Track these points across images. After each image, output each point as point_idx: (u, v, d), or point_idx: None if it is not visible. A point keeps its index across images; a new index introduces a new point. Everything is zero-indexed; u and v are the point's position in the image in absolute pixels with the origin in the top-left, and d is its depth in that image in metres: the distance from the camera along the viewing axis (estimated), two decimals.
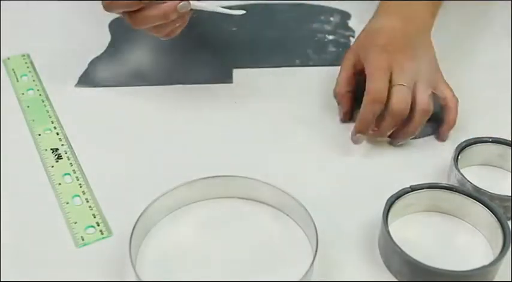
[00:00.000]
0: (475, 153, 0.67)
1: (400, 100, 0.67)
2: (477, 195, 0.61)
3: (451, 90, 0.71)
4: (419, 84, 0.68)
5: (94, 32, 0.88)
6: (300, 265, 0.57)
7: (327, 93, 0.79)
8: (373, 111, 0.67)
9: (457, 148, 0.66)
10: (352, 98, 0.73)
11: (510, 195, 0.62)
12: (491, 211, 0.60)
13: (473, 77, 0.83)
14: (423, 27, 0.74)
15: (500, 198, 0.62)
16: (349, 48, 0.76)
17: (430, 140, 0.72)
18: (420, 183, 0.62)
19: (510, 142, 0.67)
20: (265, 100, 0.78)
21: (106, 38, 0.87)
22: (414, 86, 0.68)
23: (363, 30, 0.75)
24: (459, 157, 0.65)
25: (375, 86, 0.67)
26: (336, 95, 0.74)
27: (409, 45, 0.71)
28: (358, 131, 0.69)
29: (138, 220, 0.59)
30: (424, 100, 0.68)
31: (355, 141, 0.70)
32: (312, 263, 0.56)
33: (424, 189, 0.62)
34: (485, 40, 0.89)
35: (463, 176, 0.63)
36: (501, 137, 0.67)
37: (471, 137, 0.68)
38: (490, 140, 0.67)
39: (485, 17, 0.94)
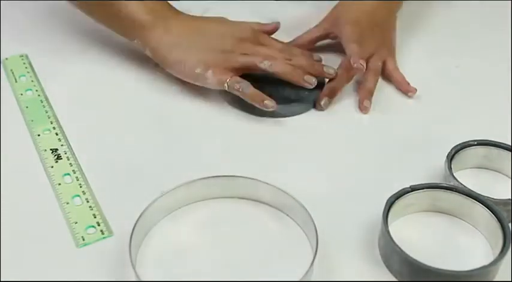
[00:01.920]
0: (464, 158, 0.67)
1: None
2: (477, 195, 0.61)
3: (396, 65, 0.82)
4: (374, 56, 0.80)
5: (92, 31, 0.88)
6: (300, 265, 0.57)
7: None
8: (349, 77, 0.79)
9: (448, 156, 0.66)
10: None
11: (510, 198, 0.62)
12: (491, 211, 0.60)
13: (473, 77, 0.83)
14: (392, 9, 0.86)
15: (505, 202, 0.62)
16: (324, 18, 0.85)
17: (431, 140, 0.72)
18: (420, 183, 0.62)
19: (494, 143, 0.67)
20: None
21: (102, 36, 0.87)
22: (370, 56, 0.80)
23: (336, 5, 0.85)
24: (452, 165, 0.66)
25: (356, 52, 0.78)
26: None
27: (374, 22, 0.82)
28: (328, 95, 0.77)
29: (138, 220, 0.59)
30: (374, 65, 0.80)
31: (325, 105, 0.76)
32: (312, 263, 0.56)
33: (424, 189, 0.62)
34: (485, 40, 0.89)
35: (461, 183, 0.63)
36: (486, 139, 0.68)
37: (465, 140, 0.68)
38: (476, 143, 0.68)
39: (485, 17, 0.94)
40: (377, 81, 0.80)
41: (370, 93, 0.78)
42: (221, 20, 0.80)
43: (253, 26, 0.80)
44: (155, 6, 0.78)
